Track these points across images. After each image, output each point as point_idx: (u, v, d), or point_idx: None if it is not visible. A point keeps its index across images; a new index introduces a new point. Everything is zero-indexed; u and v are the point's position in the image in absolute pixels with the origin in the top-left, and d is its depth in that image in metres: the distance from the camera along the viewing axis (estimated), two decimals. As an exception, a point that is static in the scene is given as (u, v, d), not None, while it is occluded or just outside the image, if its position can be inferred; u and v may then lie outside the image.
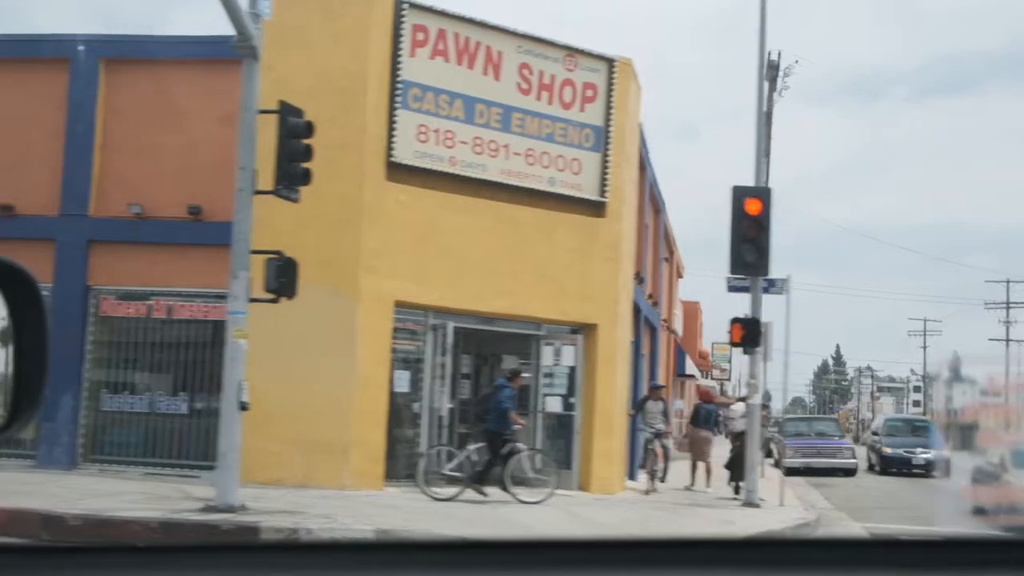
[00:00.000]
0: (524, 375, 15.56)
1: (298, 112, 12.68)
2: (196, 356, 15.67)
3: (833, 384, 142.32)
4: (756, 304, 17.06)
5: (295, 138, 12.52)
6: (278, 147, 12.43)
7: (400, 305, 15.48)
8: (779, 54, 39.71)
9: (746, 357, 17.66)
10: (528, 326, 17.07)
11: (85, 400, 15.66)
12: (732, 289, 18.32)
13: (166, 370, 15.80)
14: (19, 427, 2.20)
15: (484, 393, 15.20)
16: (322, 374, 14.67)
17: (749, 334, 16.57)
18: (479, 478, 13.93)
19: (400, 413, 15.64)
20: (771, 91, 40.17)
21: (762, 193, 16.77)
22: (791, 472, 23.24)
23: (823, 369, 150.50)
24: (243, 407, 12.16)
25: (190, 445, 15.58)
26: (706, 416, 20.42)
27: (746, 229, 16.51)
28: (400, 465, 15.54)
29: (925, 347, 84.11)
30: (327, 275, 14.64)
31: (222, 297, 15.50)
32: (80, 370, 15.63)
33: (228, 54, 15.99)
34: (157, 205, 15.71)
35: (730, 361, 58.81)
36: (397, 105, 15.53)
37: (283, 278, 12.41)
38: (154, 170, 15.82)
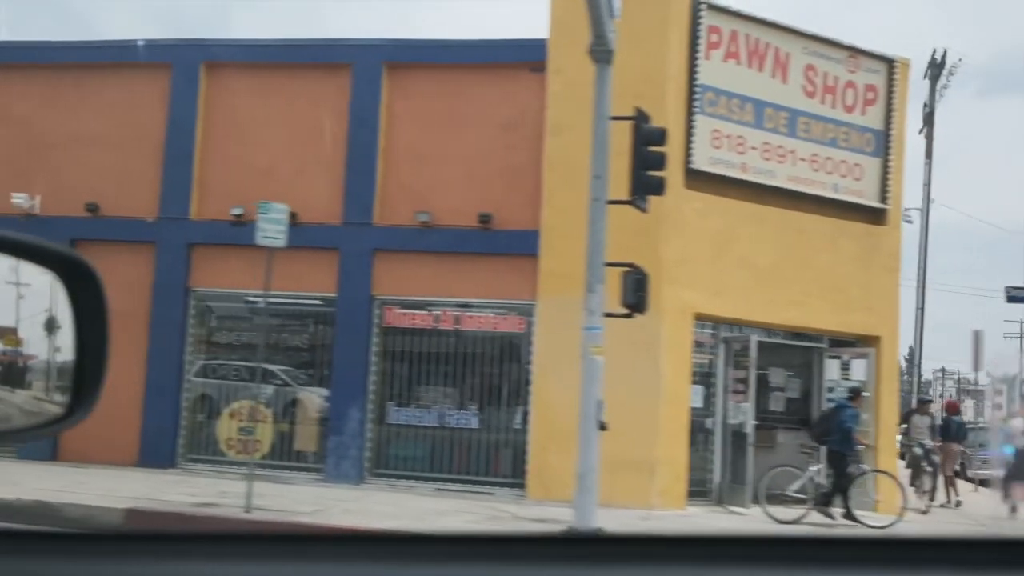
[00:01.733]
0: (864, 394, 14.91)
1: (647, 118, 12.16)
2: (485, 369, 15.23)
3: (908, 386, 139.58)
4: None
5: (649, 145, 11.99)
6: (632, 155, 11.89)
7: (698, 317, 14.93)
8: (944, 52, 38.82)
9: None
10: (810, 338, 16.42)
11: (371, 413, 15.30)
12: (1012, 299, 17.48)
13: (453, 383, 15.35)
14: (77, 418, 2.23)
15: (823, 412, 14.57)
16: (627, 389, 14.08)
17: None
18: (825, 500, 13.29)
19: (693, 429, 15.07)
20: (932, 89, 39.33)
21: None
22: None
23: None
24: (602, 427, 11.64)
25: (478, 460, 15.17)
26: (956, 429, 19.63)
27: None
28: (692, 482, 14.97)
29: (1023, 350, 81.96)
30: (629, 286, 14.07)
31: (512, 308, 15.16)
32: (365, 382, 15.26)
33: (511, 58, 15.68)
34: (442, 213, 15.29)
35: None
36: (695, 110, 14.97)
37: (639, 292, 11.89)
38: (438, 177, 15.41)
